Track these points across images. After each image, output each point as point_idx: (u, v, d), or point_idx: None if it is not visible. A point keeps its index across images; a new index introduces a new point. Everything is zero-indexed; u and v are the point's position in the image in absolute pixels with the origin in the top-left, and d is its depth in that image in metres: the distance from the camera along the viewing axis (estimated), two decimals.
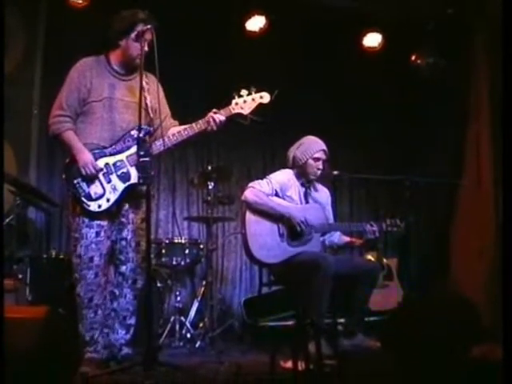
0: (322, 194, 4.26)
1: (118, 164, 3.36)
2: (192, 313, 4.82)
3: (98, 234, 3.36)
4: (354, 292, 3.87)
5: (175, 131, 3.46)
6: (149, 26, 3.29)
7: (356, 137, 6.16)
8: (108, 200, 3.33)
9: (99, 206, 3.32)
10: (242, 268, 5.92)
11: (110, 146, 3.37)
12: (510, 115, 2.84)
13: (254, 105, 3.49)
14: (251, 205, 3.95)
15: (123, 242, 3.44)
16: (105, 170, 3.34)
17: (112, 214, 3.40)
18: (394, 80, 6.05)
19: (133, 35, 3.34)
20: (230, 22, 5.44)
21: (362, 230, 4.11)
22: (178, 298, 4.78)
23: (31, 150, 5.09)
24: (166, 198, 5.77)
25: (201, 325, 4.71)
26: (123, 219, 3.44)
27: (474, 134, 5.36)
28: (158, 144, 3.37)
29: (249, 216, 3.94)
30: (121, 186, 3.36)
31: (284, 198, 4.05)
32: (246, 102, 3.47)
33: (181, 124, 3.58)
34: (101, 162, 3.34)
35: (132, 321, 3.49)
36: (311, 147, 4.10)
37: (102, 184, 3.34)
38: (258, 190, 3.98)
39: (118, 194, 3.35)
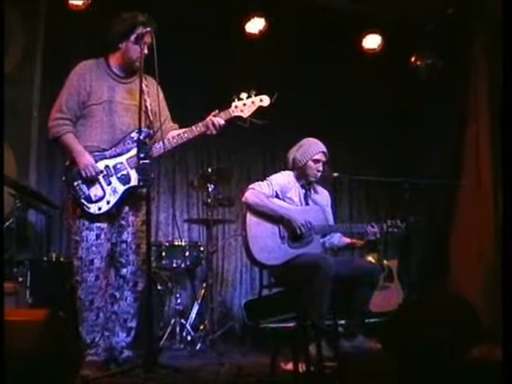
0: (322, 195, 4.26)
1: (118, 166, 3.36)
2: (192, 315, 4.81)
3: (98, 236, 3.36)
4: (355, 293, 3.86)
5: (175, 134, 3.46)
6: (148, 29, 3.30)
7: (356, 139, 6.16)
8: (108, 202, 3.34)
9: (99, 209, 3.33)
10: (242, 270, 5.91)
11: (110, 148, 3.37)
12: (510, 116, 2.84)
13: (253, 108, 3.48)
14: (252, 206, 3.94)
15: (123, 245, 3.44)
16: (105, 173, 3.35)
17: (112, 216, 3.40)
18: (393, 82, 6.05)
19: (132, 38, 3.35)
20: (229, 25, 5.43)
21: (363, 232, 4.11)
22: (179, 301, 4.77)
23: (31, 153, 5.06)
24: (166, 200, 5.76)
25: (201, 327, 4.70)
26: (123, 222, 3.44)
27: (474, 136, 5.37)
28: (157, 146, 3.37)
29: (249, 218, 3.93)
30: (121, 189, 3.36)
31: (284, 200, 4.04)
32: (246, 105, 3.48)
33: (180, 127, 3.58)
34: (101, 165, 3.34)
35: (133, 323, 3.49)
36: (311, 149, 4.09)
37: (102, 186, 3.34)
38: (258, 192, 3.97)
39: (118, 196, 3.35)
